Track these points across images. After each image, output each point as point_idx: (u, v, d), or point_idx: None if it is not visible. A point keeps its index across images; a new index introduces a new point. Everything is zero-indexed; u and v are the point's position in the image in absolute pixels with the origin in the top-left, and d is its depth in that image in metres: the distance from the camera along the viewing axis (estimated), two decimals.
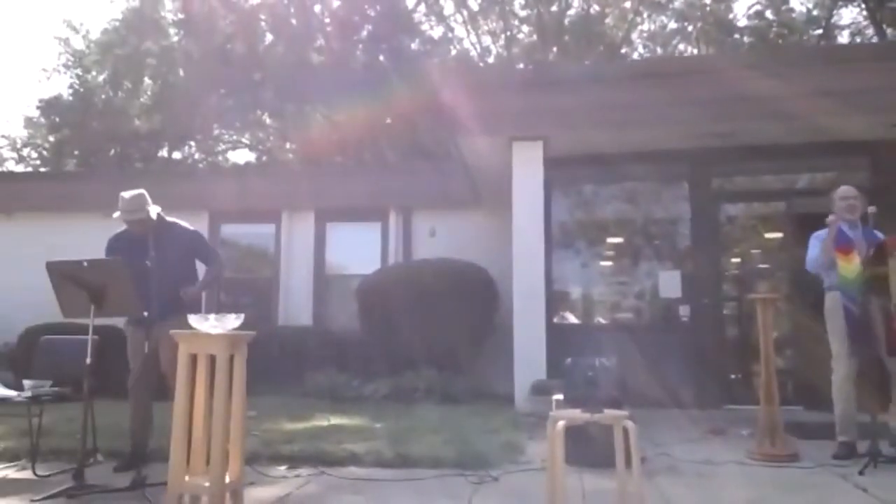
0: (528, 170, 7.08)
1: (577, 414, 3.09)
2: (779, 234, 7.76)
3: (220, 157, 21.04)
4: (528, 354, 6.63)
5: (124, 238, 4.33)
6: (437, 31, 19.51)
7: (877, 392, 4.52)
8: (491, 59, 19.28)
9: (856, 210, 4.70)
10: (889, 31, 16.37)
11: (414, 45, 17.31)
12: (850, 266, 4.54)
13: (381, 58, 16.29)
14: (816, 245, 4.77)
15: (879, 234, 4.60)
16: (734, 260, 8.16)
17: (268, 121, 18.98)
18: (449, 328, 7.50)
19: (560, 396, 4.55)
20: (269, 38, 17.45)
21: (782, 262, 7.54)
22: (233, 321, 3.11)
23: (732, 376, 7.55)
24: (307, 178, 11.03)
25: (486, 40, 20.00)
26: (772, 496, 3.69)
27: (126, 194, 4.22)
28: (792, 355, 7.18)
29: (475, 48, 19.75)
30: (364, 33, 16.68)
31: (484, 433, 5.10)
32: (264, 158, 19.81)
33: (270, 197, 10.11)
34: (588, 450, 3.95)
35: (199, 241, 4.56)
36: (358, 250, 9.98)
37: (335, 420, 5.78)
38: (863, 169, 6.90)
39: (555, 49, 18.19)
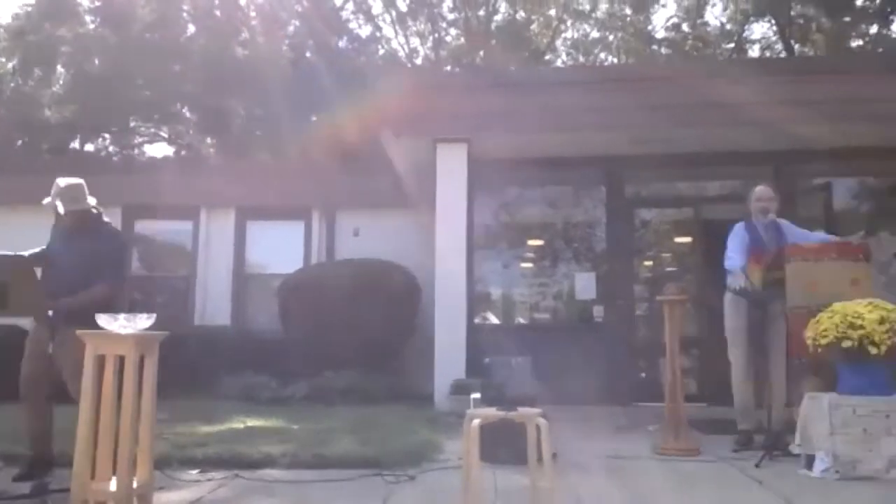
0: (451, 171, 7.17)
1: (492, 412, 3.16)
2: (688, 239, 8.12)
3: (137, 151, 20.27)
4: (449, 354, 6.71)
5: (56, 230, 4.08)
6: (365, 30, 19.45)
7: (767, 391, 4.80)
8: (419, 61, 19.35)
9: (768, 211, 4.98)
10: (797, 46, 17.33)
11: (342, 43, 17.19)
12: (756, 271, 4.81)
13: (308, 54, 16.11)
14: (736, 246, 5.01)
15: (795, 234, 4.90)
16: (647, 263, 8.49)
17: (188, 114, 18.43)
18: (371, 328, 7.50)
19: (478, 395, 4.63)
20: (191, 28, 16.96)
21: (691, 265, 7.90)
22: (144, 321, 3.03)
23: (643, 374, 7.85)
24: (228, 175, 10.78)
25: (415, 41, 20.08)
26: (674, 489, 3.86)
27: (64, 181, 3.89)
28: (698, 354, 7.54)
29: (403, 49, 19.79)
30: (291, 28, 16.45)
31: (403, 433, 5.13)
32: (183, 153, 19.22)
33: (188, 193, 9.81)
34: (504, 447, 4.04)
35: (116, 252, 4.16)
36: (279, 249, 9.83)
37: (252, 422, 5.69)
38: (767, 177, 7.27)
39: (482, 53, 18.43)
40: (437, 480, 4.00)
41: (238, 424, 5.58)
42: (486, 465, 4.06)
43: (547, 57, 18.79)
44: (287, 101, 13.65)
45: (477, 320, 7.86)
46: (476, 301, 7.87)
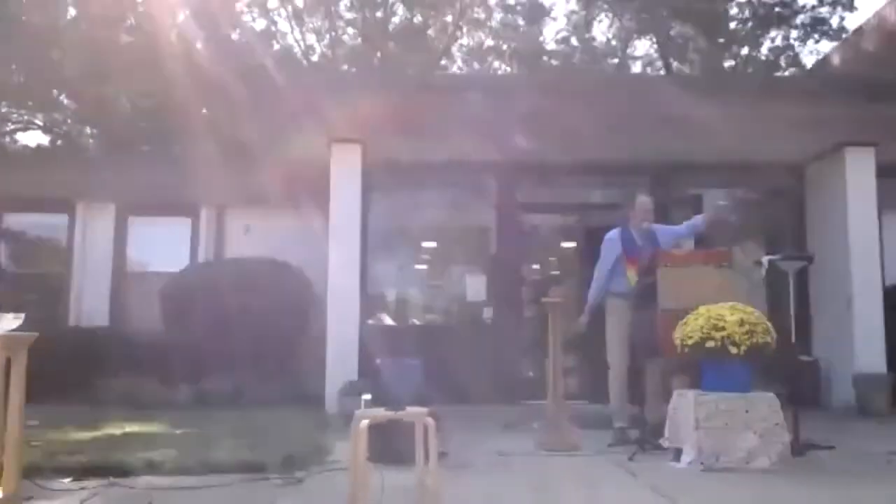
0: (346, 172, 7.16)
1: (381, 412, 3.20)
2: (573, 244, 8.48)
3: (8, 139, 18.82)
4: (341, 356, 6.70)
5: None
6: (259, 24, 18.96)
7: (640, 388, 5.12)
8: (315, 58, 19.07)
9: (647, 221, 5.29)
10: (675, 64, 18.41)
11: (234, 36, 16.68)
12: (630, 276, 5.12)
13: (199, 45, 15.52)
14: (607, 255, 5.30)
15: (667, 236, 5.23)
16: (534, 266, 8.80)
17: (66, 102, 17.29)
18: (261, 330, 7.35)
19: (368, 396, 4.66)
20: (71, 12, 15.94)
21: (575, 269, 8.25)
22: (10, 321, 2.87)
23: (531, 374, 8.12)
24: (108, 168, 10.26)
25: (311, 38, 19.77)
26: (555, 482, 4.06)
27: None
28: (581, 353, 7.88)
29: (299, 45, 19.43)
30: (181, 18, 15.79)
31: (292, 435, 5.08)
32: (59, 143, 18.02)
33: (64, 185, 9.26)
34: (393, 447, 4.09)
35: None
36: (164, 247, 9.43)
37: (131, 428, 5.45)
38: (645, 187, 7.70)
39: (379, 54, 18.40)
40: (325, 482, 4.00)
41: (116, 430, 5.34)
42: (374, 466, 4.10)
43: (443, 62, 19.02)
44: (176, 94, 13.09)
45: (371, 321, 7.89)
46: (370, 302, 7.89)
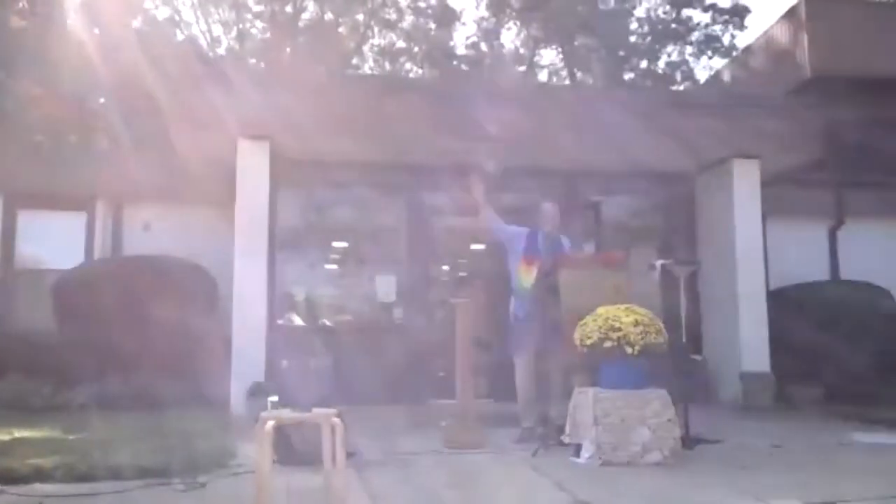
0: (253, 169, 7.03)
1: (287, 414, 3.20)
2: (483, 246, 8.64)
3: None
4: (247, 356, 6.58)
5: None
6: (162, 12, 18.25)
7: (545, 387, 5.31)
8: (221, 51, 18.54)
9: (552, 226, 5.48)
10: (579, 74, 19.06)
11: (136, 24, 15.96)
12: (529, 276, 5.28)
13: (97, 31, 14.76)
14: (508, 233, 5.48)
15: (569, 248, 5.44)
16: (444, 267, 8.91)
17: None
18: (162, 330, 7.10)
19: (275, 398, 4.61)
20: None
21: (484, 270, 8.41)
22: None
23: (441, 373, 8.21)
24: None
25: (218, 30, 19.21)
26: (460, 479, 4.15)
27: None
28: (489, 353, 8.05)
29: (205, 37, 18.84)
30: (78, 2, 14.97)
31: (195, 438, 4.95)
32: None
33: None
34: (299, 449, 4.08)
35: None
36: (57, 242, 8.94)
37: (21, 433, 5.17)
38: (552, 192, 7.94)
39: (288, 50, 18.09)
40: (229, 486, 3.94)
41: (4, 435, 5.06)
42: (280, 468, 4.09)
43: (354, 61, 18.92)
44: (71, 82, 12.42)
45: (279, 321, 7.78)
46: (279, 302, 7.78)
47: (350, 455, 4.36)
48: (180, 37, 18.15)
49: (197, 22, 18.95)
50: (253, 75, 8.24)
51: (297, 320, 8.16)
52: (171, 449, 4.49)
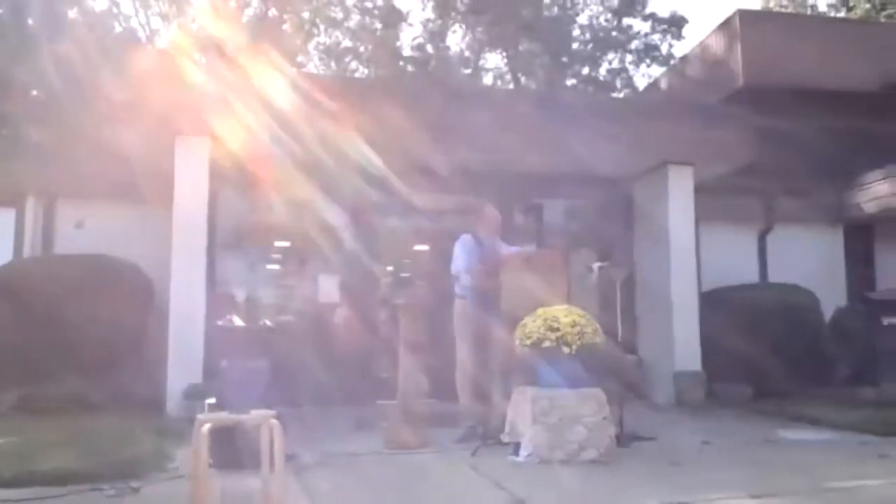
0: (192, 167, 6.90)
1: (224, 416, 3.16)
2: (426, 247, 8.69)
3: None
4: (184, 358, 6.44)
5: None
6: (100, 4, 17.71)
7: (486, 387, 5.38)
8: (161, 44, 18.10)
9: (493, 229, 5.54)
10: (523, 79, 19.31)
11: (72, 13, 15.44)
12: (481, 278, 5.34)
13: (30, 21, 14.20)
14: (462, 253, 5.51)
15: (510, 249, 5.51)
16: (389, 268, 8.91)
17: None
18: (96, 331, 6.88)
19: (212, 400, 4.56)
20: None
21: (428, 271, 8.46)
22: None
23: (384, 374, 8.20)
24: None
25: (157, 22, 18.74)
26: (400, 479, 4.18)
27: None
28: (431, 354, 8.09)
29: (144, 29, 18.36)
30: None
31: (128, 442, 4.83)
32: None
33: None
34: (237, 452, 4.02)
35: None
36: None
37: None
38: (493, 195, 8.03)
39: (231, 46, 17.75)
40: (163, 491, 3.86)
41: None
42: (217, 471, 4.03)
43: (299, 59, 18.72)
44: (2, 73, 11.91)
45: (219, 322, 7.65)
46: (218, 302, 7.65)
47: (289, 457, 4.33)
48: (118, 29, 17.64)
49: (136, 14, 18.46)
50: (192, 70, 8.00)
51: (237, 321, 8.04)
52: (103, 453, 4.38)
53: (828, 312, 8.44)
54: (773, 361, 7.35)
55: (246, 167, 7.59)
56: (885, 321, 7.68)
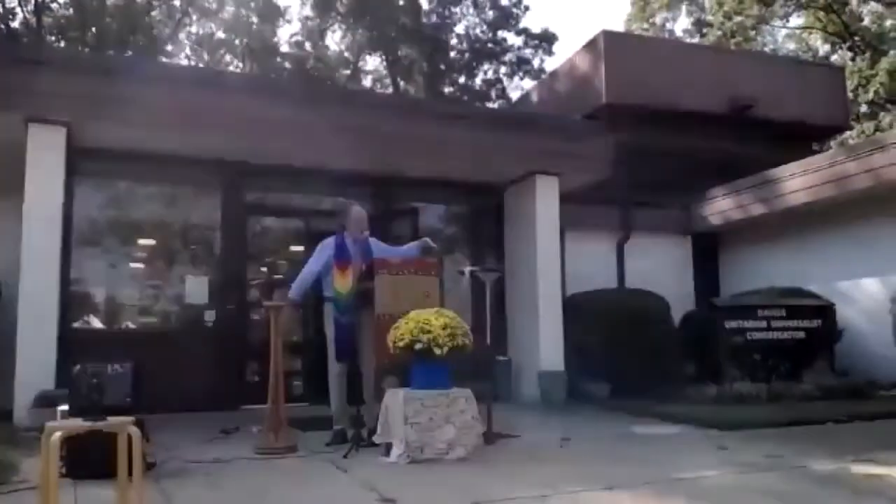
0: (46, 156, 6.44)
1: (78, 423, 3.01)
2: (301, 248, 8.58)
3: None
4: (35, 362, 6.01)
5: None
6: None
7: (358, 390, 5.40)
8: (15, 25, 16.68)
9: (363, 230, 5.53)
10: (402, 83, 19.48)
11: None
12: (345, 281, 5.33)
13: None
14: (319, 258, 5.49)
15: (380, 250, 5.54)
16: (262, 269, 8.72)
17: None
18: None
19: (65, 406, 4.30)
20: None
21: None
22: None
23: (256, 378, 8.01)
24: None
25: (12, 1, 17.25)
26: (268, 485, 4.11)
27: None
28: (303, 357, 8.01)
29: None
30: None
31: None
32: None
33: None
34: (93, 460, 3.83)
35: None
36: None
37: None
38: (367, 197, 8.07)
39: (94, 30, 16.68)
40: None
41: None
42: (70, 482, 3.82)
43: (169, 48, 17.88)
44: None
45: (77, 324, 7.19)
46: (75, 303, 7.21)
47: (149, 466, 4.17)
48: None
49: None
50: (50, 55, 7.48)
51: (96, 322, 7.59)
52: None
53: (677, 316, 9.13)
54: (629, 361, 7.88)
55: (108, 159, 7.21)
56: (727, 325, 8.43)
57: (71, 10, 17.23)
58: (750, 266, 10.72)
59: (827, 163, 9.28)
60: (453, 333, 4.69)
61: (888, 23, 22.75)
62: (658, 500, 3.79)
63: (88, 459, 3.85)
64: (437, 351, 4.61)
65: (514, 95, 19.64)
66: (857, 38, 22.70)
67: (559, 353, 8.17)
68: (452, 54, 19.48)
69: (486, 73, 20.20)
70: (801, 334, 8.59)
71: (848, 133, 18.39)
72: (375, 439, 4.92)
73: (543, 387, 7.98)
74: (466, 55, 19.71)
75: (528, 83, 19.53)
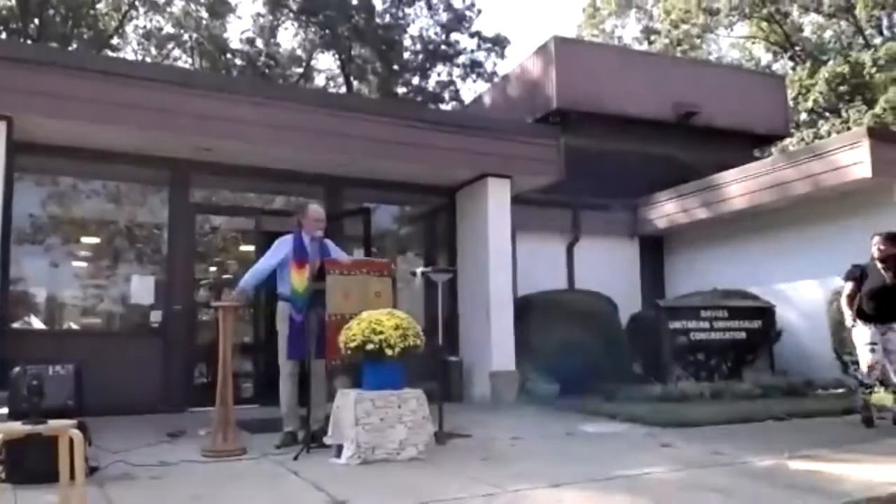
0: None
1: (17, 427, 2.93)
2: (251, 248, 8.48)
3: None
4: None
5: None
6: None
7: (310, 390, 5.37)
8: None
9: (319, 229, 5.50)
10: (356, 83, 19.38)
11: None
12: (301, 279, 5.30)
13: None
14: (276, 254, 5.44)
15: (336, 252, 5.52)
16: (212, 269, 8.58)
17: None
18: None
19: (4, 410, 4.18)
20: None
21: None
22: None
23: (204, 379, 7.89)
24: None
25: None
26: (216, 488, 4.05)
27: None
28: (253, 358, 7.92)
29: None
30: None
31: None
32: None
33: None
34: (34, 465, 3.73)
35: None
36: None
37: None
38: (319, 196, 8.03)
39: (36, 21, 16.14)
40: None
41: None
42: (9, 487, 3.71)
43: (115, 41, 17.41)
44: None
45: (16, 325, 6.97)
46: (14, 303, 6.99)
47: (93, 469, 4.08)
48: None
49: None
50: None
51: (36, 323, 7.36)
52: None
53: (624, 317, 9.33)
54: (578, 361, 8.02)
55: (51, 154, 7.01)
56: (671, 325, 8.65)
57: (13, 1, 16.64)
58: (694, 268, 11.03)
59: (766, 169, 9.60)
60: (405, 334, 4.70)
61: (828, 33, 23.69)
62: (602, 497, 3.87)
63: (29, 464, 3.75)
64: (389, 352, 4.62)
65: (468, 98, 19.78)
66: (797, 48, 23.57)
67: (510, 353, 8.26)
68: (406, 55, 19.48)
69: (439, 74, 20.30)
70: (742, 335, 8.87)
71: (788, 140, 19.05)
72: (327, 441, 4.90)
73: (495, 386, 8.06)
74: (420, 56, 19.74)
75: (482, 86, 19.70)
